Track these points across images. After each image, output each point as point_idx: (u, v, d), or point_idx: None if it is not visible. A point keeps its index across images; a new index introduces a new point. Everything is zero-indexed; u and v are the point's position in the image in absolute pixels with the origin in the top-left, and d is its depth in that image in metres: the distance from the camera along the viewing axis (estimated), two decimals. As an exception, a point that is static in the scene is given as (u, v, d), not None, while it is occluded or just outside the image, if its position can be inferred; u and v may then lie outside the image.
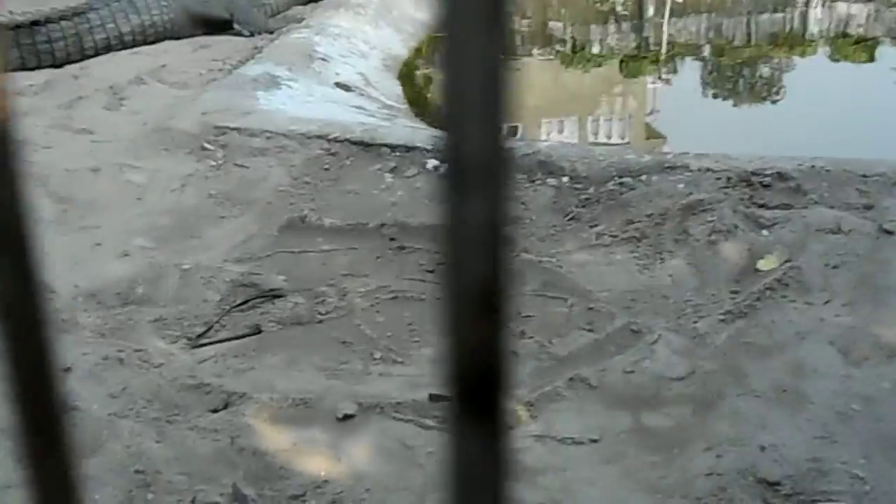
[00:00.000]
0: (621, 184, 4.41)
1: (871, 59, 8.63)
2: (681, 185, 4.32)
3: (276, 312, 3.78)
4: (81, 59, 6.71)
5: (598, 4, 10.34)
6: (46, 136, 5.33)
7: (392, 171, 4.83)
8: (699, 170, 4.37)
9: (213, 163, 5.02)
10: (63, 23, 6.69)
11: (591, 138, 7.87)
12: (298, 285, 3.94)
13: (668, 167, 4.43)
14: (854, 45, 8.91)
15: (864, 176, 4.22)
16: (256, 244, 4.29)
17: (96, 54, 6.81)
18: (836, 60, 8.66)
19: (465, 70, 0.45)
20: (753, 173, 4.28)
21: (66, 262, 4.05)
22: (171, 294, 3.91)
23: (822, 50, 8.96)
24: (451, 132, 0.46)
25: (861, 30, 9.30)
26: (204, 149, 5.12)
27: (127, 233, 4.40)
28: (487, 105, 0.45)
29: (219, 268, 4.05)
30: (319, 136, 5.06)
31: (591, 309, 3.72)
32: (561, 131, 7.60)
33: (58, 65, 6.61)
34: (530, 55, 8.96)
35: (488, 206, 0.46)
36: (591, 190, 4.43)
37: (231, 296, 3.87)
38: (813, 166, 4.30)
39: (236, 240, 4.33)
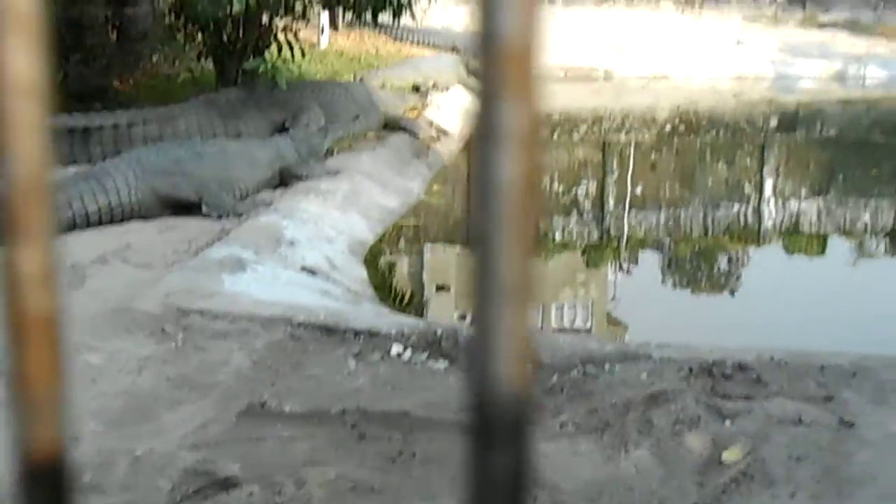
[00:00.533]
0: (585, 373, 4.41)
1: (823, 252, 8.87)
2: (644, 375, 4.32)
3: (230, 502, 3.67)
4: (47, 238, 6.72)
5: (561, 197, 10.60)
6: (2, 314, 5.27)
7: (356, 356, 4.80)
8: (661, 359, 4.39)
9: (174, 345, 4.97)
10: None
11: (554, 325, 7.91)
12: (255, 474, 3.84)
13: (631, 356, 4.44)
14: (806, 239, 9.16)
15: (823, 367, 4.26)
16: (213, 430, 4.20)
17: (61, 233, 6.82)
18: (790, 253, 8.87)
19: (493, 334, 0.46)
20: (714, 364, 4.30)
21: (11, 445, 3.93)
22: (120, 481, 3.79)
23: (777, 243, 9.19)
24: (471, 385, 0.48)
25: (813, 225, 9.58)
26: (164, 331, 5.08)
27: (80, 416, 4.30)
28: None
29: (172, 454, 3.95)
30: (283, 320, 5.05)
31: (556, 502, 3.64)
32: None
33: (22, 243, 6.61)
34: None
35: (512, 460, 0.48)
36: (555, 378, 4.42)
37: (183, 484, 3.76)
38: (772, 357, 4.33)
39: (192, 425, 4.24)
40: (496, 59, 0.48)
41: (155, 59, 11.60)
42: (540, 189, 0.48)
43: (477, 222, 0.48)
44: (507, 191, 0.48)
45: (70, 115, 9.06)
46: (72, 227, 6.90)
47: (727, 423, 3.96)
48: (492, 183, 0.48)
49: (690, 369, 4.30)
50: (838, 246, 8.90)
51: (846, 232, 9.27)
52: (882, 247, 8.95)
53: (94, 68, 11.02)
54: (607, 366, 4.41)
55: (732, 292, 7.97)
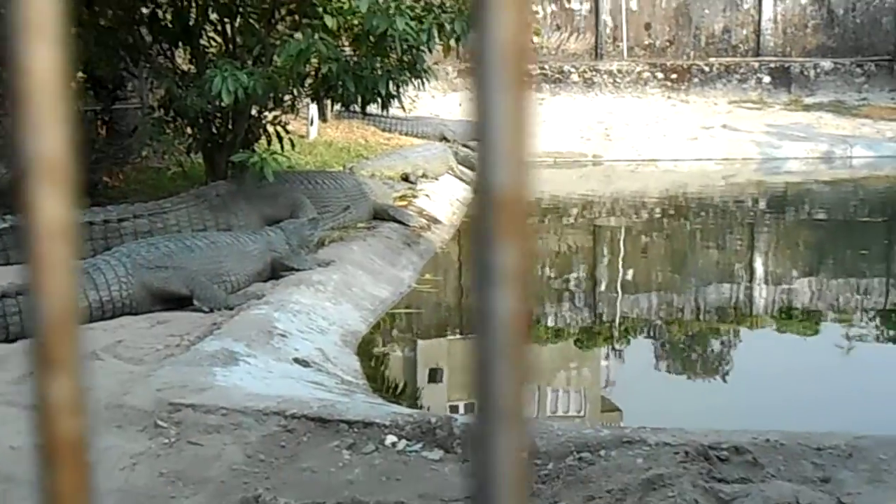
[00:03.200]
0: (580, 459, 4.38)
1: (815, 333, 8.87)
2: (640, 460, 4.29)
3: None
4: (38, 335, 6.70)
5: (553, 282, 10.63)
6: (-5, 412, 5.24)
7: (350, 447, 4.77)
8: (657, 444, 4.37)
9: (166, 440, 4.93)
10: (20, 297, 6.71)
11: (547, 411, 7.87)
12: (249, 569, 3.79)
13: (627, 441, 4.42)
14: (798, 320, 9.17)
15: (819, 449, 4.24)
16: (207, 525, 4.15)
17: (53, 330, 6.81)
18: (782, 334, 8.87)
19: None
20: (710, 447, 4.28)
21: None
22: (115, 579, 3.73)
23: (768, 324, 9.20)
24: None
25: (804, 306, 9.61)
26: (157, 426, 5.05)
27: (72, 513, 4.24)
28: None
29: (167, 550, 3.90)
30: (276, 413, 5.02)
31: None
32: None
33: (11, 339, 6.59)
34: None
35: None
36: (551, 465, 4.39)
37: (178, 581, 3.70)
38: (767, 440, 4.32)
39: (186, 520, 4.19)
40: (492, 207, 0.53)
41: (144, 153, 11.70)
42: (532, 318, 0.54)
43: (478, 351, 0.52)
44: (504, 322, 0.53)
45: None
46: (63, 323, 6.88)
47: (725, 507, 3.93)
48: (490, 316, 0.53)
49: (686, 453, 4.27)
50: (830, 326, 8.91)
51: (837, 312, 9.30)
52: (873, 327, 8.97)
53: (83, 163, 11.11)
54: (603, 451, 4.39)
55: (725, 375, 7.95)
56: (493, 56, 0.53)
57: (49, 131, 0.54)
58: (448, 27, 9.50)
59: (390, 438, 4.79)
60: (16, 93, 0.54)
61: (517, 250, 0.53)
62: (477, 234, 0.54)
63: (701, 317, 9.40)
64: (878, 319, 9.11)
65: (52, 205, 0.55)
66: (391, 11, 8.90)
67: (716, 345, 8.66)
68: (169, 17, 10.22)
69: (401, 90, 10.29)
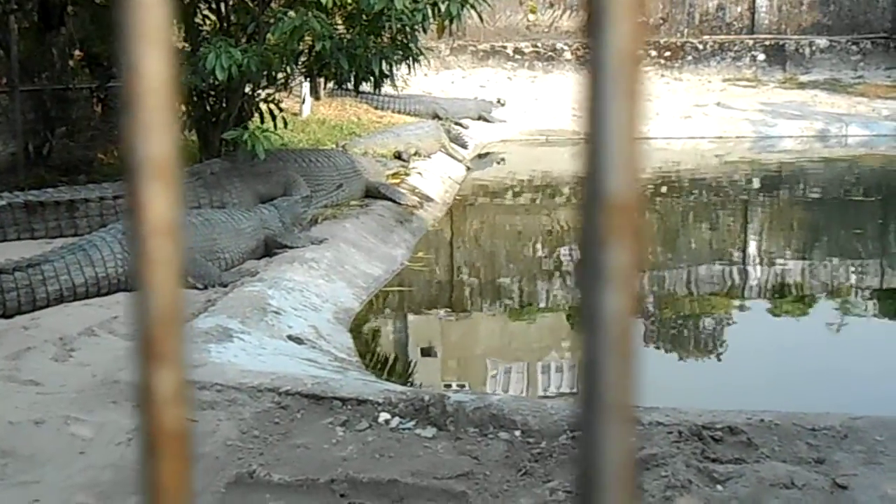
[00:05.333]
0: (573, 437, 4.40)
1: (810, 312, 8.90)
2: (632, 440, 4.31)
3: (222, 574, 3.63)
4: (33, 310, 6.71)
5: (545, 260, 10.65)
6: (-9, 388, 5.25)
7: (343, 424, 4.79)
8: (650, 423, 4.39)
9: (161, 416, 4.94)
10: (17, 274, 6.72)
11: (539, 389, 7.90)
12: (245, 545, 3.81)
13: (620, 421, 4.44)
14: (792, 299, 9.20)
15: (813, 429, 4.26)
16: (203, 501, 4.16)
17: (48, 305, 6.82)
18: (776, 314, 8.90)
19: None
20: (704, 427, 4.30)
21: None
22: (111, 555, 3.75)
23: (762, 303, 9.23)
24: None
25: (798, 284, 9.64)
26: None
27: (68, 488, 4.26)
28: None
29: (163, 527, 3.91)
30: (270, 390, 5.04)
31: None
32: (509, 383, 7.63)
33: (8, 315, 6.60)
34: (479, 309, 9.12)
35: None
36: (544, 444, 4.41)
37: (174, 557, 3.72)
38: (762, 420, 4.34)
39: (182, 497, 4.20)
40: (603, 210, 0.55)
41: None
42: (637, 319, 0.56)
43: (587, 347, 0.56)
44: (613, 320, 0.56)
45: (55, 188, 9.10)
46: (59, 299, 6.89)
47: (719, 487, 3.95)
48: (599, 314, 0.56)
49: (680, 433, 4.30)
50: (824, 306, 8.93)
51: (832, 292, 9.33)
52: (868, 306, 9.00)
53: (78, 141, 11.09)
54: (597, 430, 4.40)
55: (719, 354, 7.98)
56: (608, 64, 0.54)
57: (158, 133, 0.56)
58: (442, 7, 9.47)
59: (384, 416, 4.81)
60: (128, 96, 0.56)
61: (627, 252, 0.55)
62: (587, 235, 0.55)
63: (694, 295, 9.43)
64: (872, 299, 9.14)
65: (160, 204, 0.57)
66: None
67: (709, 324, 8.69)
68: (163, -7, 10.14)
69: (394, 69, 10.27)
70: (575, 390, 7.82)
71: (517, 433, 4.52)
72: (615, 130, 0.54)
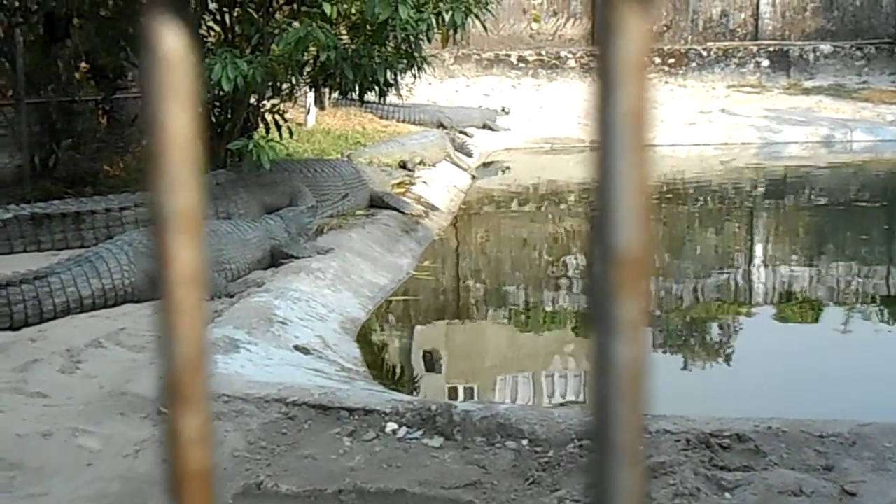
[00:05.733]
0: (581, 446, 4.40)
1: (816, 319, 8.88)
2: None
3: (230, 586, 3.63)
4: (40, 322, 6.72)
5: (550, 267, 10.65)
6: (-1, 400, 5.26)
7: (350, 434, 4.79)
8: (658, 431, 4.38)
9: (169, 427, 4.95)
10: (24, 286, 6.74)
11: (546, 397, 7.89)
12: (254, 556, 3.81)
13: (627, 429, 4.43)
14: (799, 306, 9.19)
15: (821, 437, 4.25)
16: (211, 512, 4.16)
17: (55, 317, 6.83)
18: (783, 320, 8.89)
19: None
20: (712, 435, 4.30)
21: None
22: (120, 567, 3.75)
23: (769, 309, 9.22)
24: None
25: (804, 291, 9.62)
26: (160, 413, 5.06)
27: (76, 500, 4.27)
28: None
29: (171, 538, 3.91)
30: (277, 400, 5.04)
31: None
32: (516, 390, 7.63)
33: (16, 327, 6.61)
34: (484, 318, 9.12)
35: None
36: (552, 453, 4.41)
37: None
38: (770, 427, 4.33)
39: (190, 508, 4.21)
40: (612, 264, 0.57)
41: (145, 142, 11.71)
42: (649, 367, 0.57)
43: (596, 392, 0.57)
44: (623, 369, 0.57)
45: (62, 200, 9.13)
46: (66, 311, 6.90)
47: (727, 495, 3.95)
48: (609, 363, 0.57)
49: (688, 441, 4.29)
50: (831, 312, 8.92)
51: (838, 298, 9.31)
52: (875, 312, 8.98)
53: (84, 153, 11.12)
54: (604, 439, 4.40)
55: (726, 361, 7.97)
56: (616, 124, 0.56)
57: (184, 187, 0.58)
58: (447, 16, 9.49)
59: (391, 426, 4.81)
60: (154, 151, 0.58)
61: (636, 305, 0.57)
62: (597, 287, 0.57)
63: (700, 302, 9.42)
64: (879, 305, 9.12)
65: (186, 255, 0.59)
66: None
67: (716, 330, 8.67)
68: (168, 5, 10.20)
69: (398, 78, 10.29)
70: (581, 399, 7.82)
71: (524, 442, 4.51)
72: (623, 186, 0.56)
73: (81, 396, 5.35)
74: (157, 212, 0.58)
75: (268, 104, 10.68)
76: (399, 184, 12.02)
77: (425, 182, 12.58)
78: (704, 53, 22.55)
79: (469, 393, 7.21)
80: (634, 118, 0.55)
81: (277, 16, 10.08)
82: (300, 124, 14.88)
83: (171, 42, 0.57)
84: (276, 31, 9.52)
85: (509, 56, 22.54)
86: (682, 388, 7.04)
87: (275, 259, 8.44)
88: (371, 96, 10.64)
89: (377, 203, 10.83)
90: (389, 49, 9.93)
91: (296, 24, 9.26)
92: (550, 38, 23.48)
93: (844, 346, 7.98)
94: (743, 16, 23.62)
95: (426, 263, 9.78)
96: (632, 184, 0.56)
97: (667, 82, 21.94)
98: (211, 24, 10.40)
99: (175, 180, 0.58)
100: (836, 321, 8.63)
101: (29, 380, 5.64)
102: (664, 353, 8.21)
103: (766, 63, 22.38)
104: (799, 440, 4.25)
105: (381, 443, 4.71)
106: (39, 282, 6.83)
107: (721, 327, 8.75)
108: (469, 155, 15.65)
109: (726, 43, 23.13)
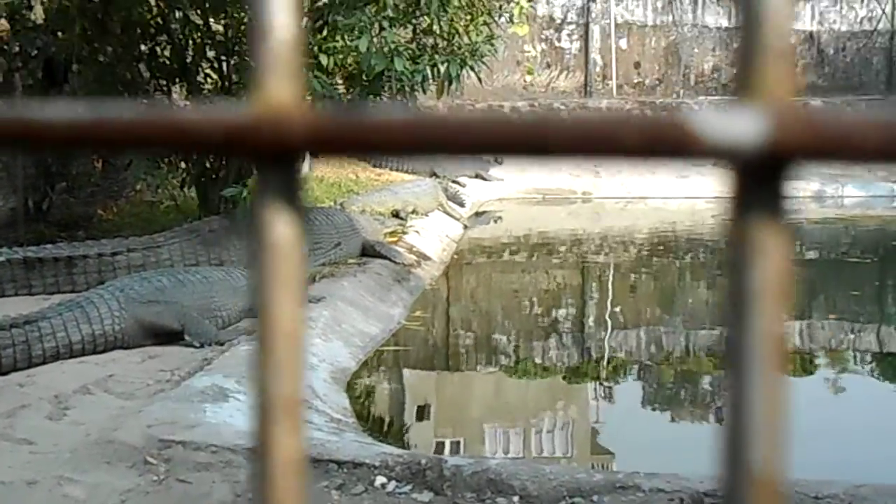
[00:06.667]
0: None
1: (808, 374, 8.87)
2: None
3: None
4: (28, 367, 6.68)
5: (541, 319, 10.64)
6: (-15, 447, 5.21)
7: (339, 488, 4.75)
8: (651, 490, 4.36)
9: (155, 477, 4.91)
10: (14, 330, 6.71)
11: (534, 453, 7.85)
12: None
13: (620, 487, 4.41)
14: (791, 361, 9.18)
15: (817, 497, 4.23)
16: (197, 566, 4.12)
17: (44, 362, 6.79)
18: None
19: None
20: (706, 494, 4.27)
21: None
22: None
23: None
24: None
25: (796, 345, 9.61)
26: (147, 462, 5.02)
27: (61, 552, 4.22)
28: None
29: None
30: (266, 451, 4.99)
31: None
32: (507, 443, 7.59)
33: (3, 372, 6.57)
34: (475, 369, 9.10)
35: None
36: (542, 510, 4.38)
37: None
38: (762, 487, 4.30)
39: (176, 561, 4.16)
40: (747, 486, 0.57)
41: (139, 187, 11.73)
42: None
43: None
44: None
45: (54, 245, 9.11)
46: (55, 356, 6.86)
47: (718, 554, 3.91)
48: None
49: (681, 500, 4.27)
50: (822, 368, 8.91)
51: (830, 353, 9.31)
52: (867, 369, 8.97)
53: (78, 196, 11.12)
54: (596, 497, 4.37)
55: (717, 416, 7.94)
56: (752, 346, 0.57)
57: (289, 375, 0.58)
58: (442, 68, 9.57)
59: (380, 479, 4.77)
60: (262, 337, 0.58)
61: None
62: None
63: (691, 356, 9.40)
64: (871, 362, 9.12)
65: (289, 442, 0.58)
66: (386, 51, 8.97)
67: (706, 384, 8.65)
68: (167, 54, 10.29)
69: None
70: (571, 453, 7.77)
71: (515, 499, 4.48)
72: (761, 410, 0.56)
73: (68, 444, 5.30)
74: (261, 397, 0.58)
75: (262, 151, 10.69)
76: (391, 233, 12.04)
77: (417, 231, 12.60)
78: (696, 107, 22.71)
79: (456, 446, 7.17)
80: (772, 343, 0.56)
81: (274, 65, 10.12)
82: (294, 171, 14.89)
83: (282, 229, 0.58)
84: (273, 80, 9.55)
85: (503, 107, 22.69)
86: (674, 445, 7.01)
87: (266, 307, 8.41)
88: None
89: (369, 252, 10.83)
90: (385, 100, 9.99)
91: (292, 73, 9.30)
92: (543, 89, 23.67)
93: (838, 404, 7.96)
94: (734, 70, 23.83)
95: (417, 313, 9.76)
96: (770, 409, 0.56)
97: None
98: (208, 71, 10.46)
99: (280, 367, 0.58)
100: (828, 378, 8.61)
101: (16, 426, 5.59)
102: (653, 409, 8.19)
103: (757, 118, 22.55)
104: (794, 501, 4.22)
105: (369, 497, 4.67)
106: (29, 326, 6.80)
107: (712, 382, 8.73)
108: (461, 205, 15.69)
109: (718, 97, 23.33)
